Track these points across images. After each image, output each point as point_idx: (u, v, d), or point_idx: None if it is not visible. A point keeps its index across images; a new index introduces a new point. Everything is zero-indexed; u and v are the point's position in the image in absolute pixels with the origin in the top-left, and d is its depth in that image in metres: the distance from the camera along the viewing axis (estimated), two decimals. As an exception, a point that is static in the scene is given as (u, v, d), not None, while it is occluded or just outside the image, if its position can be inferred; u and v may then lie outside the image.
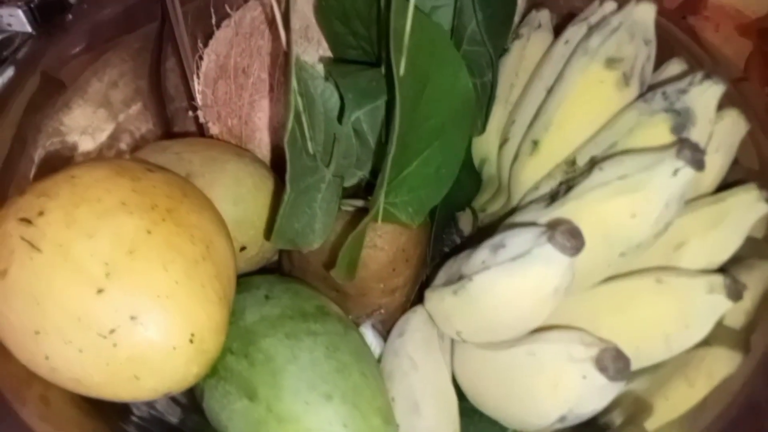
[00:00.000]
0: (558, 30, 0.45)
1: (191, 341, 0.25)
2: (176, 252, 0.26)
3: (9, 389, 0.26)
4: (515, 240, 0.27)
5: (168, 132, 0.50)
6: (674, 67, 0.38)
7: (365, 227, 0.31)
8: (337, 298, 0.37)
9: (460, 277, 0.30)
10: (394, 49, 0.26)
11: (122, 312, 0.24)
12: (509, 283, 0.27)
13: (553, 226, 0.25)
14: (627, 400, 0.31)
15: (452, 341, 0.36)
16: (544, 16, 0.45)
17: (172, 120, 0.50)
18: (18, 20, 0.43)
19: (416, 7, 0.26)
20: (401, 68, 0.27)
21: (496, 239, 0.29)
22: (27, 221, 0.25)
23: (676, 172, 0.27)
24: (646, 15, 0.35)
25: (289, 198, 0.29)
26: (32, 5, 0.43)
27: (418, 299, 0.41)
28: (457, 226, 0.43)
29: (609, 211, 0.28)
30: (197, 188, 0.32)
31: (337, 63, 0.38)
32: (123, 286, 0.24)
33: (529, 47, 0.44)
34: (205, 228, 0.29)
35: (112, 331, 0.24)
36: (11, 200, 0.27)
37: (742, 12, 0.70)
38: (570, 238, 0.25)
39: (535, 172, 0.37)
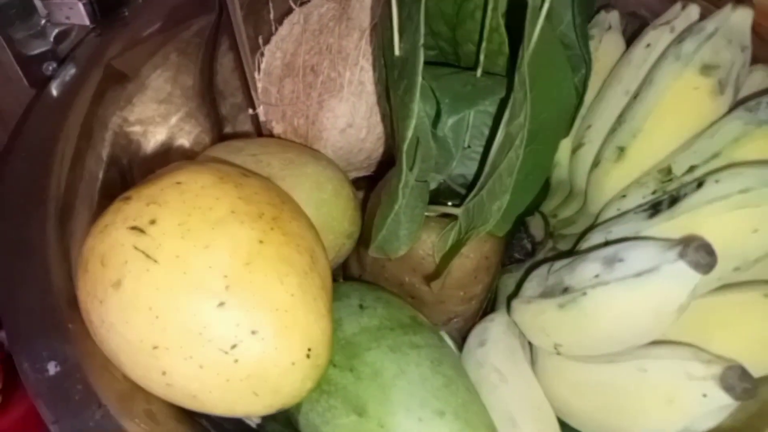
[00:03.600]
0: (624, 32, 0.45)
1: (308, 356, 0.25)
2: (288, 264, 0.25)
3: (114, 405, 0.25)
4: (635, 254, 0.26)
5: (221, 130, 0.49)
6: (759, 74, 0.38)
7: (469, 236, 0.30)
8: (413, 305, 0.37)
9: (566, 290, 0.29)
10: (524, 53, 0.25)
11: (243, 327, 0.23)
12: (631, 299, 0.26)
13: (685, 241, 0.25)
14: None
15: (533, 352, 0.35)
16: (614, 18, 0.44)
17: (225, 118, 0.49)
18: (77, 14, 0.42)
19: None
20: (526, 77, 0.26)
21: (609, 252, 0.28)
22: (139, 230, 0.24)
23: (803, 187, 0.26)
24: (743, 20, 0.34)
25: (400, 207, 0.28)
26: (92, -1, 0.41)
27: (489, 307, 0.41)
28: (528, 231, 0.42)
29: (730, 225, 0.27)
30: (288, 194, 0.31)
31: (428, 65, 0.37)
32: (243, 299, 0.23)
33: (601, 49, 0.43)
34: (307, 236, 0.28)
35: (233, 347, 0.23)
36: (116, 206, 0.25)
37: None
38: (705, 255, 0.24)
39: (620, 179, 0.36)
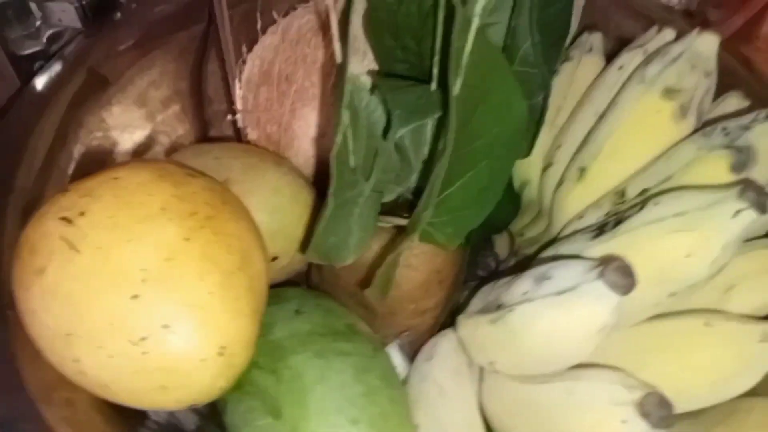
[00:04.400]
0: (610, 55, 0.44)
1: (221, 354, 0.25)
2: (212, 262, 0.26)
3: (36, 390, 0.25)
4: (562, 273, 0.26)
5: (205, 135, 0.50)
6: (732, 101, 0.37)
7: (406, 247, 0.30)
8: (365, 316, 0.37)
9: (499, 306, 0.29)
10: (453, 69, 0.25)
11: (155, 320, 0.24)
12: (553, 317, 0.26)
13: (604, 262, 0.24)
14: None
15: (482, 370, 0.35)
16: (596, 40, 0.44)
17: (210, 123, 0.50)
18: (69, 16, 0.43)
19: (478, 28, 0.25)
20: (457, 88, 0.26)
21: (541, 270, 0.28)
22: (68, 221, 0.25)
23: (737, 213, 0.25)
24: (708, 46, 0.33)
25: (330, 212, 0.28)
26: (84, 2, 0.43)
27: (448, 323, 0.41)
28: (493, 249, 0.42)
29: (663, 248, 0.26)
30: (236, 196, 0.32)
31: (385, 77, 0.37)
32: (158, 293, 0.24)
33: (580, 70, 0.42)
34: (242, 238, 0.28)
35: (143, 339, 0.24)
36: (54, 198, 0.26)
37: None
38: (622, 276, 0.24)
39: (580, 200, 0.36)
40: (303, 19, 0.44)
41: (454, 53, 0.25)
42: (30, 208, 0.35)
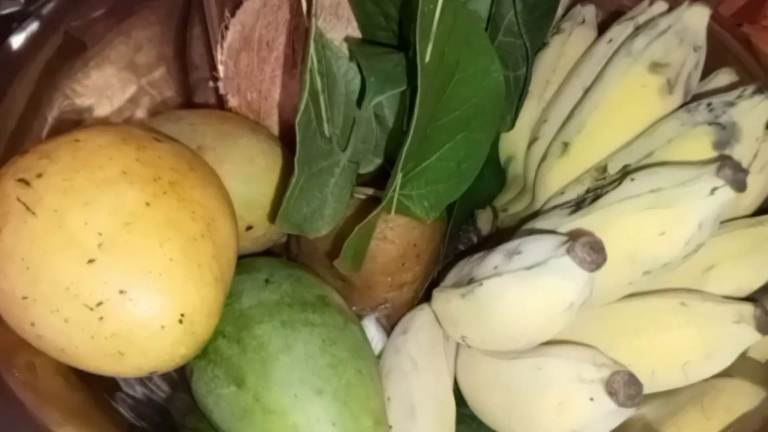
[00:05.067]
0: (603, 28, 0.43)
1: (180, 322, 0.24)
2: (174, 228, 0.25)
3: (-5, 352, 0.25)
4: (532, 247, 0.26)
5: (189, 101, 0.49)
6: (723, 77, 0.36)
7: (375, 218, 0.29)
8: (342, 288, 0.36)
9: (470, 281, 0.28)
10: (420, 35, 0.24)
11: (111, 285, 0.23)
12: (520, 292, 0.25)
13: (573, 237, 0.24)
14: (636, 426, 0.29)
15: (458, 344, 0.34)
16: (588, 12, 0.43)
17: (194, 89, 0.49)
18: (47, -26, 0.42)
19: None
20: (427, 55, 0.25)
21: (513, 244, 0.27)
22: (25, 182, 0.24)
23: (713, 191, 0.24)
24: (698, 19, 0.32)
25: (298, 181, 0.28)
26: (62, -40, 0.42)
27: (426, 297, 0.40)
28: (476, 224, 0.41)
29: (636, 225, 0.26)
30: (206, 163, 0.31)
31: (363, 44, 0.36)
32: (115, 258, 0.23)
33: (570, 43, 0.41)
34: (209, 205, 0.28)
35: (99, 304, 0.23)
36: (13, 159, 0.26)
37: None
38: (591, 252, 0.23)
39: (563, 175, 0.35)
40: (286, -16, 0.42)
41: (422, 17, 0.24)
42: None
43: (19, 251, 0.23)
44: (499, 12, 0.35)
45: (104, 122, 0.28)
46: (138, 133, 0.28)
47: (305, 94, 0.26)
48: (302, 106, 0.26)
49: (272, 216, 0.35)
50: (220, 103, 0.46)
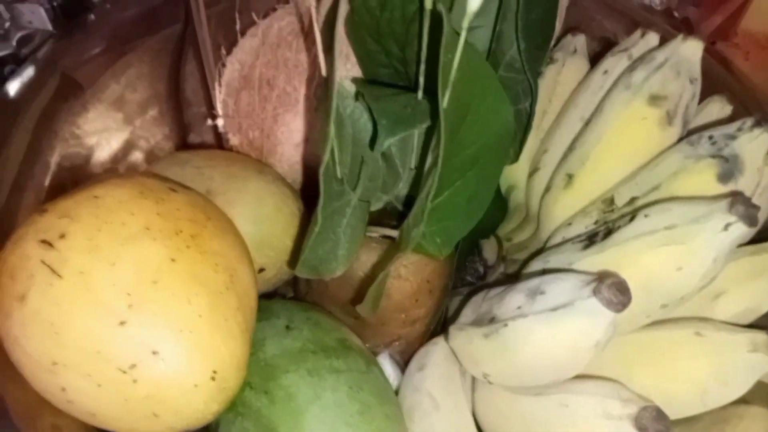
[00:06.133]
0: (593, 56, 0.44)
1: (213, 379, 0.24)
2: (200, 283, 0.25)
3: (20, 416, 0.25)
4: (555, 288, 0.26)
5: (184, 139, 0.48)
6: (715, 105, 0.37)
7: (399, 261, 0.29)
8: (355, 326, 0.36)
9: (492, 320, 0.29)
10: (441, 83, 0.25)
11: (144, 347, 0.23)
12: (548, 333, 0.26)
13: (599, 278, 0.24)
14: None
15: (474, 379, 0.34)
16: (579, 42, 0.44)
17: (189, 126, 0.49)
18: (39, 18, 0.42)
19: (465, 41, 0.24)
20: (446, 101, 0.25)
21: (534, 283, 0.28)
22: (48, 244, 0.24)
23: (727, 226, 0.25)
24: (693, 52, 0.34)
25: (319, 228, 0.28)
26: (55, 3, 0.42)
27: (438, 330, 0.40)
28: (481, 254, 0.42)
29: (654, 261, 0.27)
30: (220, 210, 0.31)
31: (370, 84, 0.36)
32: (146, 318, 0.23)
33: (564, 73, 0.42)
34: (229, 255, 0.28)
35: (132, 366, 0.23)
36: (32, 218, 0.25)
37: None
38: (617, 293, 0.24)
39: (568, 206, 0.36)
40: (283, 22, 0.43)
41: (443, 67, 0.25)
42: (5, 225, 0.33)
43: (46, 315, 0.23)
44: (499, 48, 0.36)
45: (118, 174, 0.28)
46: (153, 184, 0.28)
47: (329, 146, 0.26)
48: (326, 157, 0.26)
49: (292, 262, 0.35)
50: (218, 141, 0.46)
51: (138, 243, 0.24)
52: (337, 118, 0.30)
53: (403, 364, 0.38)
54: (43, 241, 0.24)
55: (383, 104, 0.32)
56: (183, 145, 0.48)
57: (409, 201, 0.38)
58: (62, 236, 0.24)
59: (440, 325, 0.41)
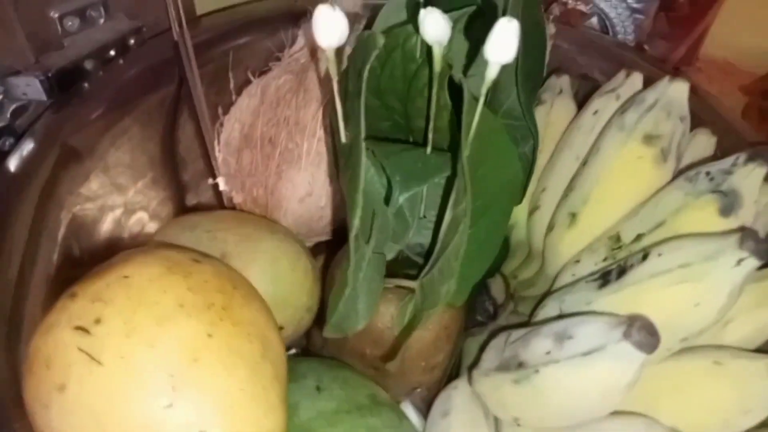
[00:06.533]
0: (575, 93, 0.46)
1: (259, 452, 0.24)
2: (238, 356, 0.25)
3: None
4: (583, 331, 0.27)
5: (182, 199, 0.48)
6: (701, 137, 0.39)
7: (420, 317, 0.30)
8: (376, 377, 0.36)
9: (520, 365, 0.29)
10: (463, 146, 0.26)
11: (192, 427, 0.23)
12: (580, 378, 0.26)
13: (629, 321, 0.25)
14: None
15: (497, 420, 0.35)
16: (564, 82, 0.46)
17: (186, 187, 0.49)
18: (35, 89, 0.42)
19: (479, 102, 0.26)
20: (465, 161, 0.26)
21: (559, 327, 0.28)
22: (83, 330, 0.24)
23: (739, 262, 0.27)
24: (680, 93, 0.36)
25: (350, 292, 0.28)
26: (49, 74, 0.42)
27: (453, 372, 0.41)
28: (489, 293, 0.43)
29: (672, 299, 0.28)
30: (242, 275, 0.31)
31: (379, 142, 0.37)
32: (191, 399, 0.23)
33: (553, 114, 0.44)
34: (258, 322, 0.28)
35: (181, 449, 0.23)
36: (62, 304, 0.25)
37: (735, 65, 0.73)
38: (647, 335, 0.25)
39: (573, 244, 0.37)
40: (280, 80, 0.43)
41: (464, 128, 0.26)
42: (17, 307, 0.33)
43: (89, 405, 0.23)
44: (496, 99, 0.37)
45: (141, 250, 0.28)
46: (178, 257, 0.28)
47: (358, 212, 0.26)
48: (356, 224, 0.26)
49: (319, 323, 0.35)
50: (219, 199, 0.46)
51: (174, 321, 0.25)
52: (354, 177, 0.31)
53: (425, 410, 0.38)
54: (78, 328, 0.24)
55: (395, 160, 0.33)
56: (182, 205, 0.48)
57: (419, 249, 0.38)
58: (98, 321, 0.24)
59: (455, 368, 0.42)
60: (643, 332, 0.25)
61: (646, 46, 0.60)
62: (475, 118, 0.26)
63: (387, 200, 0.33)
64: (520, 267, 0.43)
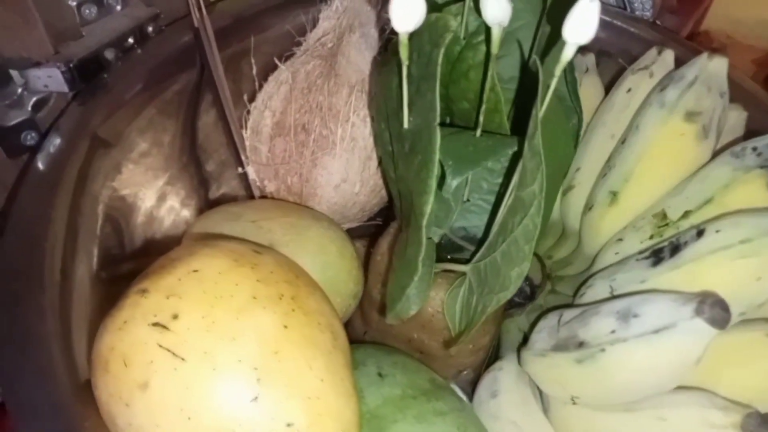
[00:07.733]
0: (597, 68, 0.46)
1: (342, 441, 0.24)
2: (313, 346, 0.25)
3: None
4: (650, 310, 0.27)
5: (207, 188, 0.48)
6: (732, 113, 0.40)
7: (489, 305, 0.30)
8: (422, 360, 0.37)
9: (581, 344, 0.30)
10: (536, 126, 0.26)
11: (278, 420, 0.23)
12: (650, 356, 0.27)
13: (699, 299, 0.26)
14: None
15: (546, 399, 0.35)
16: (590, 61, 0.46)
17: (211, 176, 0.48)
18: (56, 81, 0.41)
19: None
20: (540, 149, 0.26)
21: (622, 305, 0.29)
22: (162, 326, 0.23)
23: (800, 235, 0.27)
24: (720, 68, 0.36)
25: (419, 278, 0.28)
26: (71, 65, 0.40)
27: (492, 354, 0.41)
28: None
29: (734, 274, 0.28)
30: (299, 265, 0.31)
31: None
32: (276, 391, 0.23)
33: (582, 92, 0.44)
34: (325, 311, 0.28)
35: (270, 442, 0.23)
36: (132, 300, 0.25)
37: (734, 38, 0.74)
38: (721, 311, 0.25)
39: (615, 222, 0.38)
40: (309, 66, 0.43)
41: (536, 110, 0.26)
42: (65, 303, 0.32)
43: (175, 401, 0.23)
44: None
45: (202, 243, 0.27)
46: (239, 248, 0.28)
47: (430, 198, 0.26)
48: (429, 210, 0.26)
49: (369, 299, 0.35)
50: (247, 189, 0.46)
51: (251, 314, 0.24)
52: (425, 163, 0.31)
53: (470, 392, 0.38)
54: (156, 324, 0.24)
55: (445, 145, 0.33)
56: (206, 195, 0.47)
57: (462, 233, 0.38)
58: (175, 317, 0.24)
59: (494, 350, 0.42)
60: (716, 308, 0.25)
61: (657, 21, 0.60)
62: (545, 103, 0.26)
63: (441, 185, 0.33)
64: (554, 247, 0.44)
